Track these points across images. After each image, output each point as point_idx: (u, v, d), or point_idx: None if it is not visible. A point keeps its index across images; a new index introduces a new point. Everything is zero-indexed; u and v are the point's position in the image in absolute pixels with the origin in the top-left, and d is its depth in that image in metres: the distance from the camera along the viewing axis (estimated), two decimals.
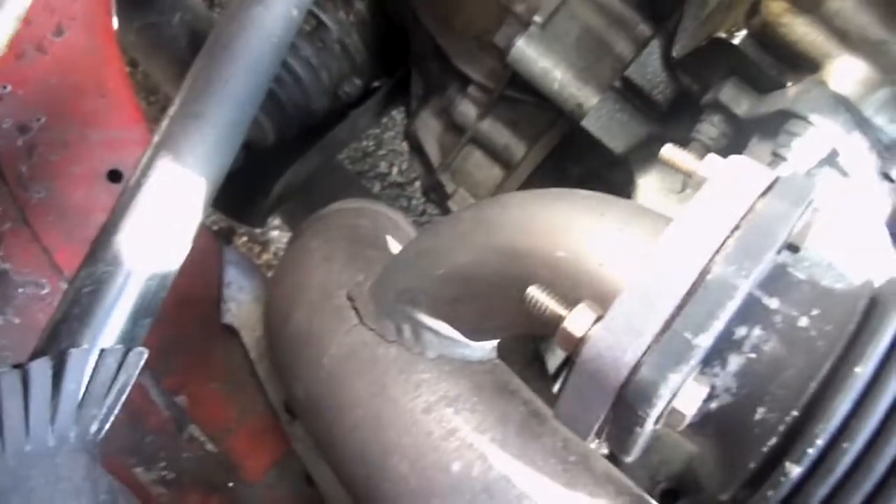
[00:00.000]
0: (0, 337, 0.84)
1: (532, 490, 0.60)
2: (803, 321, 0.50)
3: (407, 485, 0.62)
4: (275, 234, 1.93)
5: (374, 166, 2.08)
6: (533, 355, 1.29)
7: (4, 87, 0.87)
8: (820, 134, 0.73)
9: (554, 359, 1.41)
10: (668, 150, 0.56)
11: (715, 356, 0.49)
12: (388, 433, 0.64)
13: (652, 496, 0.66)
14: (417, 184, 2.03)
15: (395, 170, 2.09)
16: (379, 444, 0.64)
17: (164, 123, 0.63)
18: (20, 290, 0.86)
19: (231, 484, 0.91)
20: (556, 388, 1.20)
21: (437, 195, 1.26)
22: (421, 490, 0.61)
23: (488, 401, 0.64)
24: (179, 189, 0.60)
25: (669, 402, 0.47)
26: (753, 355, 0.49)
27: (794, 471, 0.47)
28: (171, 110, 0.63)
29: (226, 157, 0.63)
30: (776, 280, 0.51)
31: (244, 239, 1.95)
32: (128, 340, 0.58)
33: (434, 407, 0.63)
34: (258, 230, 1.92)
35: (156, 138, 0.62)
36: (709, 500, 0.92)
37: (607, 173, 1.10)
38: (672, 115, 0.96)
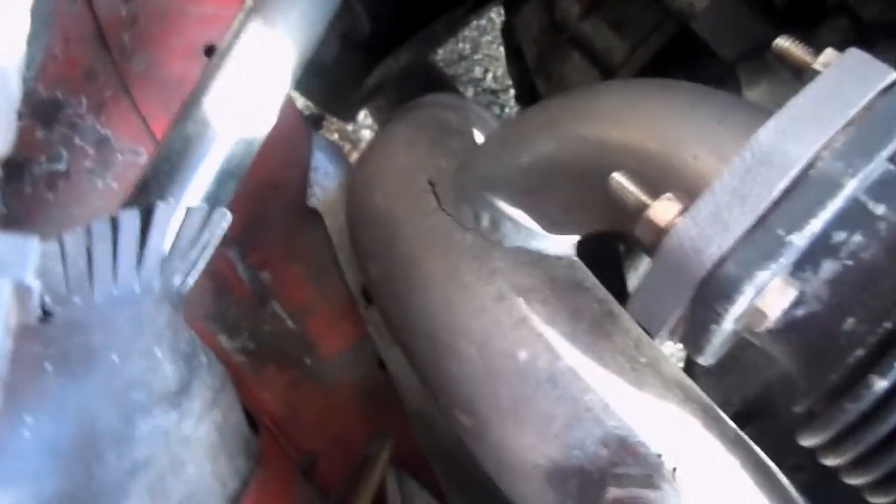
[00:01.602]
0: (99, 199, 0.88)
1: (597, 385, 0.59)
2: None
3: (473, 368, 0.62)
4: (366, 132, 1.94)
5: (468, 70, 2.04)
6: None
7: None
8: None
9: (636, 278, 1.38)
10: (783, 41, 0.52)
11: (807, 259, 0.46)
12: (458, 317, 0.64)
13: None
14: (512, 92, 1.98)
15: (489, 76, 2.05)
16: (448, 327, 0.64)
17: None
18: (119, 157, 0.89)
19: (308, 361, 0.94)
20: None
21: (530, 101, 1.23)
22: (487, 374, 0.62)
23: (562, 295, 0.63)
24: (270, 54, 0.60)
25: (752, 301, 0.45)
26: (850, 262, 0.46)
27: (879, 384, 0.44)
28: None
29: (317, 24, 0.62)
30: (885, 185, 0.47)
31: (335, 136, 1.97)
32: (213, 200, 0.59)
33: (506, 295, 0.63)
34: (349, 128, 1.93)
35: (248, 3, 0.62)
36: (781, 425, 0.90)
37: (712, 84, 1.04)
38: (789, 18, 0.89)
